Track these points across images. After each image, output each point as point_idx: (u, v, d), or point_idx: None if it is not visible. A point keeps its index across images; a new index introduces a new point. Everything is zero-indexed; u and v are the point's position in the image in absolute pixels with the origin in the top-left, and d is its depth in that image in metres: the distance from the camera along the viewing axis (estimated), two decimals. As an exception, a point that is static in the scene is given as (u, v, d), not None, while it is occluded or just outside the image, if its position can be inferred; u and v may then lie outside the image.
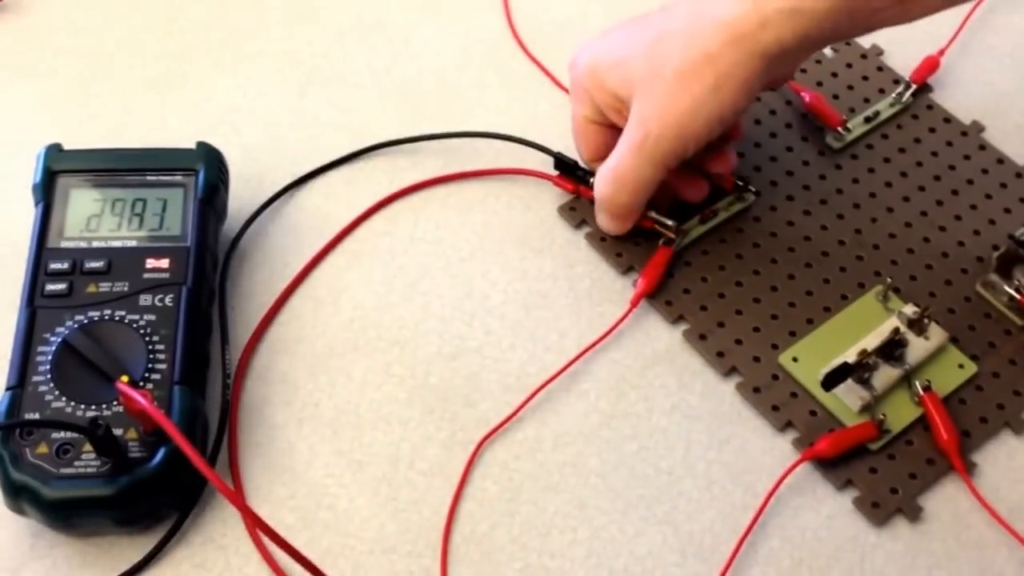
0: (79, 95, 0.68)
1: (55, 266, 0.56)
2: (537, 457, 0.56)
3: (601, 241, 0.63)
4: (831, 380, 0.56)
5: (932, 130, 0.67)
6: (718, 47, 0.56)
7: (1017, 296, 0.59)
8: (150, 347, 0.54)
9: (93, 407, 0.52)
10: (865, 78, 0.69)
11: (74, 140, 0.60)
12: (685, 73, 0.56)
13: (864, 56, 0.70)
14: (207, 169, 0.59)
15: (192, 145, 0.60)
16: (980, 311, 0.60)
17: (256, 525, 0.48)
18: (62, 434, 0.52)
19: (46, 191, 0.58)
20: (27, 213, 0.59)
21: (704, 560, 0.53)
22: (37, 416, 0.52)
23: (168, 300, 0.55)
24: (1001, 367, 0.58)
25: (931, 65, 0.69)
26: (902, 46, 0.70)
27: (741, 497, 0.55)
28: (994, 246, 0.62)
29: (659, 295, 0.61)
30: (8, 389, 0.53)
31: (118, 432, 0.51)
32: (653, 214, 0.62)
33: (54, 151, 0.60)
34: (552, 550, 0.54)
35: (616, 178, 0.59)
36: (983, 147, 0.67)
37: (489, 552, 0.53)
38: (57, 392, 0.53)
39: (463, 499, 0.55)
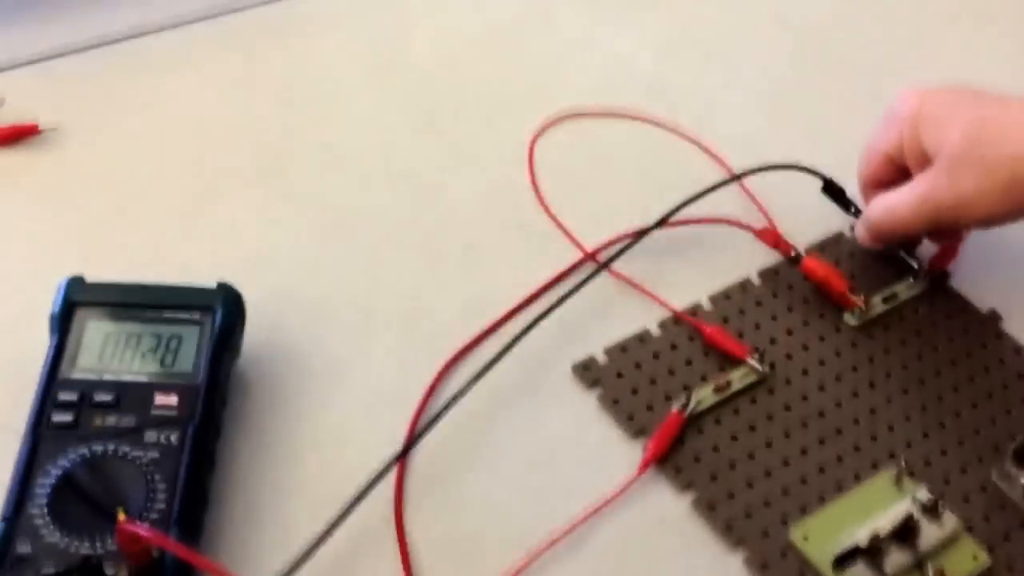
0: (106, 227, 0.69)
1: (64, 397, 0.56)
2: (539, 622, 0.55)
3: (613, 403, 0.62)
4: (842, 561, 0.55)
5: (949, 316, 0.67)
6: None
7: (1032, 489, 0.59)
8: (151, 485, 0.53)
9: (87, 543, 0.51)
10: (882, 260, 0.70)
11: (97, 271, 0.61)
12: (992, 170, 0.61)
13: (884, 238, 0.71)
14: (225, 309, 0.59)
15: (213, 282, 0.61)
16: (995, 501, 0.60)
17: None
18: (52, 570, 0.51)
19: (63, 322, 0.58)
20: (42, 341, 0.58)
21: None
22: (28, 548, 0.51)
23: (174, 438, 0.55)
24: (1016, 560, 0.58)
25: (950, 252, 0.69)
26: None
27: None
28: (1011, 436, 0.61)
29: (669, 461, 0.60)
30: (3, 519, 0.52)
31: (110, 573, 0.50)
32: (903, 253, 0.69)
33: (76, 283, 0.60)
34: None
35: (889, 215, 0.66)
36: (1000, 336, 0.67)
37: None
38: (51, 525, 0.52)
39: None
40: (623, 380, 0.63)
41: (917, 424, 0.63)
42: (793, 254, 0.68)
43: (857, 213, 0.70)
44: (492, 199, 0.72)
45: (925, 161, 0.64)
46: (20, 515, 0.52)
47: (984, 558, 0.57)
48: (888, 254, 0.69)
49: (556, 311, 0.66)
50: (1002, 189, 0.61)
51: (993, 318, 0.68)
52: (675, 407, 0.62)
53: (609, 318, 0.67)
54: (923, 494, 0.58)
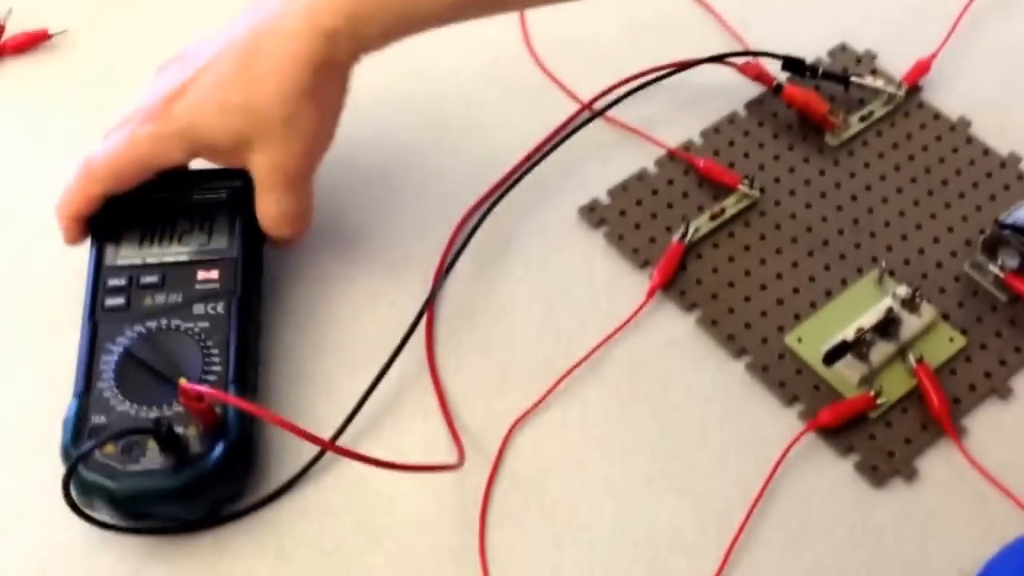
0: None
1: (113, 282, 0.60)
2: (564, 439, 0.60)
3: (619, 239, 0.67)
4: (831, 356, 0.60)
5: (923, 126, 0.72)
6: None
7: (1001, 275, 0.63)
8: (205, 352, 0.58)
9: (155, 408, 0.56)
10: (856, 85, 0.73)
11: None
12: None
13: (859, 60, 0.75)
14: (248, 187, 0.63)
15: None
16: (968, 289, 0.65)
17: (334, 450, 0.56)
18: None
19: (102, 215, 0.62)
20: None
21: (719, 525, 0.58)
22: (103, 419, 0.56)
23: (220, 308, 0.60)
24: (988, 339, 0.63)
25: (922, 68, 0.73)
26: (895, 50, 0.75)
27: (752, 466, 0.59)
28: (980, 230, 0.66)
29: (673, 287, 0.65)
30: (76, 396, 0.57)
31: (179, 430, 0.56)
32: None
33: None
34: (580, 522, 0.58)
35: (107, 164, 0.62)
36: (970, 140, 0.71)
37: (522, 526, 0.58)
38: (120, 396, 0.57)
39: (497, 479, 0.59)
40: (626, 217, 0.68)
41: (896, 229, 0.67)
42: (774, 84, 0.73)
43: (824, 77, 0.72)
44: (488, 61, 0.76)
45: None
46: (91, 391, 0.57)
47: (959, 340, 0.63)
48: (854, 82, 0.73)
49: (559, 160, 0.70)
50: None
51: (963, 124, 0.72)
52: (676, 237, 0.66)
53: (609, 162, 0.71)
54: (902, 289, 0.63)
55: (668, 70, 0.73)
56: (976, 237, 0.66)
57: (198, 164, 0.65)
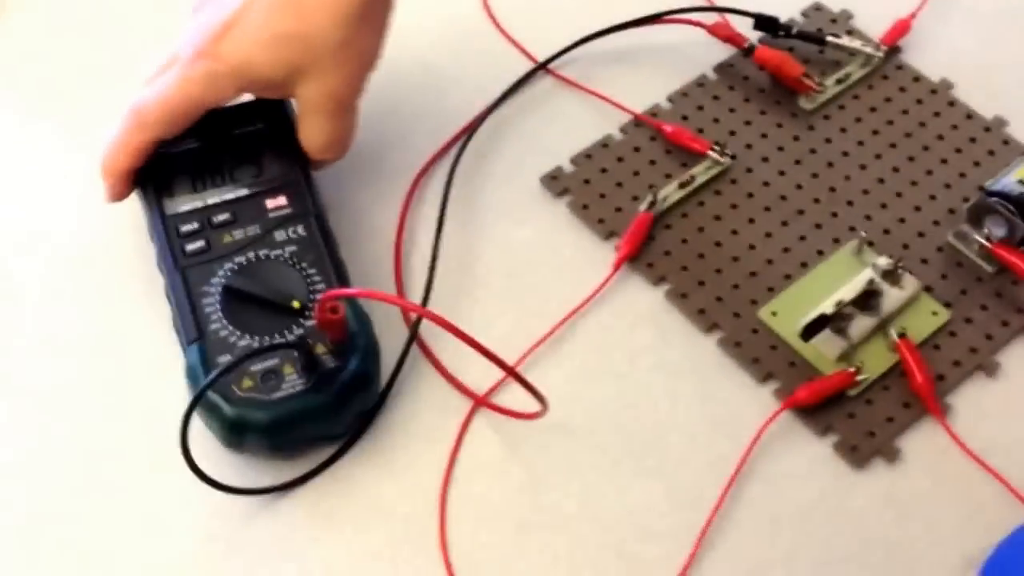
0: (113, 71, 0.70)
1: (187, 228, 0.59)
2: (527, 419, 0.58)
3: (583, 209, 0.64)
4: (809, 331, 0.58)
5: (902, 89, 0.69)
6: None
7: (987, 244, 0.61)
8: (302, 273, 0.57)
9: (275, 336, 0.55)
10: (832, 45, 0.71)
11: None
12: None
13: (834, 20, 0.72)
14: (286, 108, 0.62)
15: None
16: (952, 260, 0.62)
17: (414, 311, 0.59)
18: (260, 365, 0.54)
19: (150, 165, 0.60)
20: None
21: (691, 508, 0.55)
22: (229, 357, 0.54)
23: (300, 229, 0.59)
24: (973, 312, 0.60)
25: (901, 28, 0.71)
26: (872, 10, 0.72)
27: (725, 447, 0.57)
28: (964, 198, 0.64)
29: (641, 258, 0.63)
30: (192, 343, 0.55)
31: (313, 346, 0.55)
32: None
33: None
34: (544, 506, 0.55)
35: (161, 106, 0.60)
36: (952, 104, 0.68)
37: (485, 511, 0.55)
38: (238, 332, 0.55)
39: (457, 463, 0.57)
40: (590, 186, 0.65)
41: (875, 197, 0.65)
42: (746, 46, 0.70)
43: (798, 37, 0.70)
44: (445, 23, 0.73)
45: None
46: (205, 335, 0.55)
47: (943, 313, 0.60)
48: (829, 43, 0.70)
49: (520, 127, 0.68)
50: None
51: (945, 87, 0.69)
52: (643, 206, 0.64)
53: (572, 129, 0.68)
54: (883, 261, 0.60)
55: (630, 26, 0.70)
56: (960, 205, 0.63)
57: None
